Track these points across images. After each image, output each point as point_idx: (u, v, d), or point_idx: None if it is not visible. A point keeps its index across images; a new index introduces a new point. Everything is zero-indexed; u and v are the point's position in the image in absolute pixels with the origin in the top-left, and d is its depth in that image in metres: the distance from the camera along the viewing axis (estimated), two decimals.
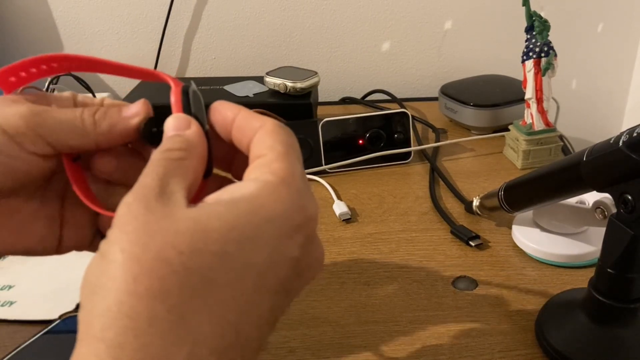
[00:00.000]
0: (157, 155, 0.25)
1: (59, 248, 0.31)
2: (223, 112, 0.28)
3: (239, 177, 0.30)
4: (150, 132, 0.29)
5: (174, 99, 0.28)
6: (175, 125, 0.27)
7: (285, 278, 0.25)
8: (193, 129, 0.27)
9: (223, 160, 0.31)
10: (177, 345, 0.21)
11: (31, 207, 0.30)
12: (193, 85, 0.28)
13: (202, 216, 0.23)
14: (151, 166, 0.25)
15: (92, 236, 0.32)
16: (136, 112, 0.29)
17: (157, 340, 0.21)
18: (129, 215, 0.22)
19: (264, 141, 0.27)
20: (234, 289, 0.23)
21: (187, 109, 0.28)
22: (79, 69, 0.31)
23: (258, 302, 0.24)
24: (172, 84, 0.28)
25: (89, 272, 0.22)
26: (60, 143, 0.28)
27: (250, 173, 0.26)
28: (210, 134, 0.28)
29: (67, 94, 0.31)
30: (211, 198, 0.24)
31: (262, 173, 0.25)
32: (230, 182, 0.30)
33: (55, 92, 0.78)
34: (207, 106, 0.29)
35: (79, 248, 0.32)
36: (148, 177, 0.24)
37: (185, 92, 0.28)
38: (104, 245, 0.23)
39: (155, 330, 0.21)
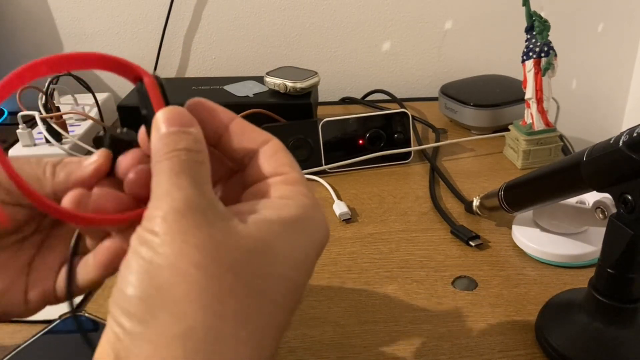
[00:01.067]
0: (181, 156, 0.24)
1: (26, 305, 0.29)
2: (213, 114, 0.27)
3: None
4: (114, 138, 0.27)
5: (151, 90, 0.26)
6: (175, 119, 0.25)
7: (303, 294, 0.26)
8: (198, 128, 0.25)
9: None
10: None
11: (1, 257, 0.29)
12: (161, 78, 0.27)
13: (266, 236, 0.23)
14: (178, 167, 0.23)
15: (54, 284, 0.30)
16: (93, 160, 0.27)
17: None
18: (189, 226, 0.21)
19: (277, 158, 0.27)
20: (287, 309, 0.23)
21: (167, 102, 0.26)
22: (50, 73, 0.27)
23: (290, 320, 0.24)
24: (143, 75, 0.26)
25: (137, 276, 0.21)
26: (17, 193, 0.26)
27: (274, 189, 0.26)
28: None
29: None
30: (252, 212, 0.24)
31: (295, 194, 0.25)
32: None
33: (55, 92, 0.78)
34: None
35: (46, 299, 0.30)
36: (183, 181, 0.23)
37: (159, 82, 0.26)
38: (151, 253, 0.21)
39: (239, 355, 0.20)
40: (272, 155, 0.27)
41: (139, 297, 0.20)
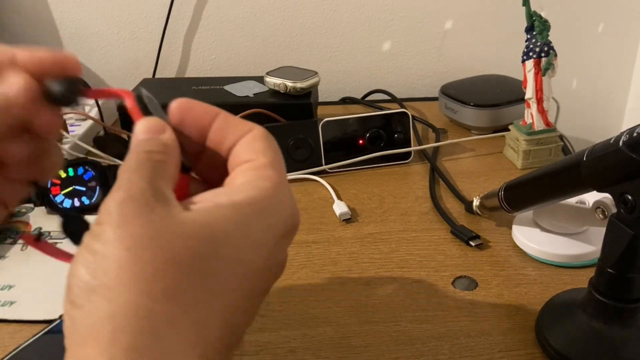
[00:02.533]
0: (139, 155, 0.25)
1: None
2: (197, 113, 0.28)
3: (202, 176, 0.30)
4: (54, 92, 0.28)
5: (130, 105, 0.27)
6: (148, 128, 0.26)
7: (272, 279, 0.26)
8: (168, 134, 0.27)
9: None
10: (191, 346, 0.21)
11: None
12: (144, 91, 0.28)
13: (211, 220, 0.23)
14: (134, 165, 0.24)
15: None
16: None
17: (174, 343, 0.21)
18: (128, 213, 0.22)
19: (254, 146, 0.27)
20: (240, 292, 0.23)
21: (146, 113, 0.27)
22: None
23: (254, 303, 0.25)
24: (122, 94, 0.28)
25: (80, 269, 0.22)
26: None
27: (240, 176, 0.26)
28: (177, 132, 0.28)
29: None
30: (205, 200, 0.24)
31: (255, 177, 0.25)
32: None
33: None
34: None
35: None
36: (135, 175, 0.24)
37: (139, 98, 0.28)
38: (94, 242, 0.22)
39: (172, 332, 0.21)
40: (249, 144, 0.27)
41: (78, 286, 0.21)
